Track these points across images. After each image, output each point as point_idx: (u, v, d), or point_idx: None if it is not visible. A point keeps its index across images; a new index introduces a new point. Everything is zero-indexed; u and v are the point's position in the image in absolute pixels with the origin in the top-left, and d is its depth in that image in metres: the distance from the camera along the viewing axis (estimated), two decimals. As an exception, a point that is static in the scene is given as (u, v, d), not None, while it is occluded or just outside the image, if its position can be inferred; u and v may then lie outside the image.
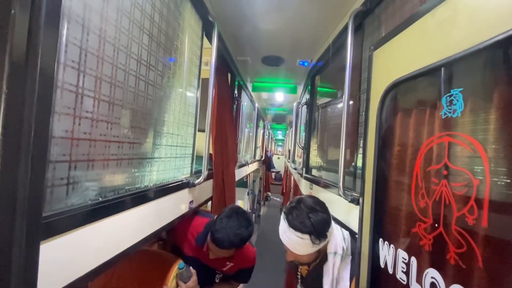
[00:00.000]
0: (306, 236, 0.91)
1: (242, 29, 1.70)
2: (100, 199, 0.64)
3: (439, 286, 0.55)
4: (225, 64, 1.93)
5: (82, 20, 0.56)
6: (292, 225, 0.93)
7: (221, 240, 1.14)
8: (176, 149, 1.08)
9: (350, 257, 0.98)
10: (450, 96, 0.56)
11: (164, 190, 0.97)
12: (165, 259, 1.40)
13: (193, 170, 1.30)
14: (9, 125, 0.39)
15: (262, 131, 5.98)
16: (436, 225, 0.57)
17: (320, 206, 0.99)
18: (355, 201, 1.05)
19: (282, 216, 0.99)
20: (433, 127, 0.61)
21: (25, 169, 0.42)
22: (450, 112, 0.55)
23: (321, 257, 1.01)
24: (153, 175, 0.92)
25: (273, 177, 10.98)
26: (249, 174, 4.20)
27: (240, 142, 2.99)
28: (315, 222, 0.92)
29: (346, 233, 1.04)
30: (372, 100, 0.89)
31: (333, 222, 1.01)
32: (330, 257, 0.96)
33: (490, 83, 0.49)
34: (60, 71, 0.51)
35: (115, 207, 0.68)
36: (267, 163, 7.02)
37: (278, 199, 9.24)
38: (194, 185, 1.22)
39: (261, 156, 5.97)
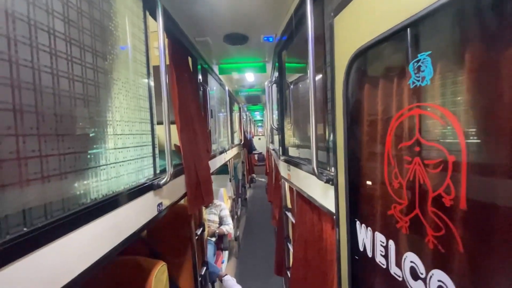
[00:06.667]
0: None
1: (196, 6, 1.53)
2: (25, 229, 0.53)
3: (419, 271, 0.51)
4: (182, 47, 1.75)
5: None
6: None
7: None
8: (129, 151, 0.96)
9: None
10: (418, 61, 0.48)
11: (121, 199, 0.86)
12: (143, 265, 1.32)
13: (157, 169, 1.18)
14: None
15: (238, 114, 5.83)
16: (412, 206, 0.52)
17: None
18: (330, 181, 1.01)
19: None
20: (402, 98, 0.54)
21: None
22: (418, 80, 0.49)
23: None
24: (102, 185, 0.80)
25: (256, 158, 10.99)
26: (229, 160, 4.10)
27: (213, 129, 2.85)
28: None
29: None
30: (337, 73, 0.81)
31: None
32: None
33: (462, 43, 0.42)
34: None
35: (50, 233, 0.57)
36: (247, 146, 6.93)
37: (263, 179, 9.33)
38: (160, 186, 1.12)
39: (241, 140, 5.86)
